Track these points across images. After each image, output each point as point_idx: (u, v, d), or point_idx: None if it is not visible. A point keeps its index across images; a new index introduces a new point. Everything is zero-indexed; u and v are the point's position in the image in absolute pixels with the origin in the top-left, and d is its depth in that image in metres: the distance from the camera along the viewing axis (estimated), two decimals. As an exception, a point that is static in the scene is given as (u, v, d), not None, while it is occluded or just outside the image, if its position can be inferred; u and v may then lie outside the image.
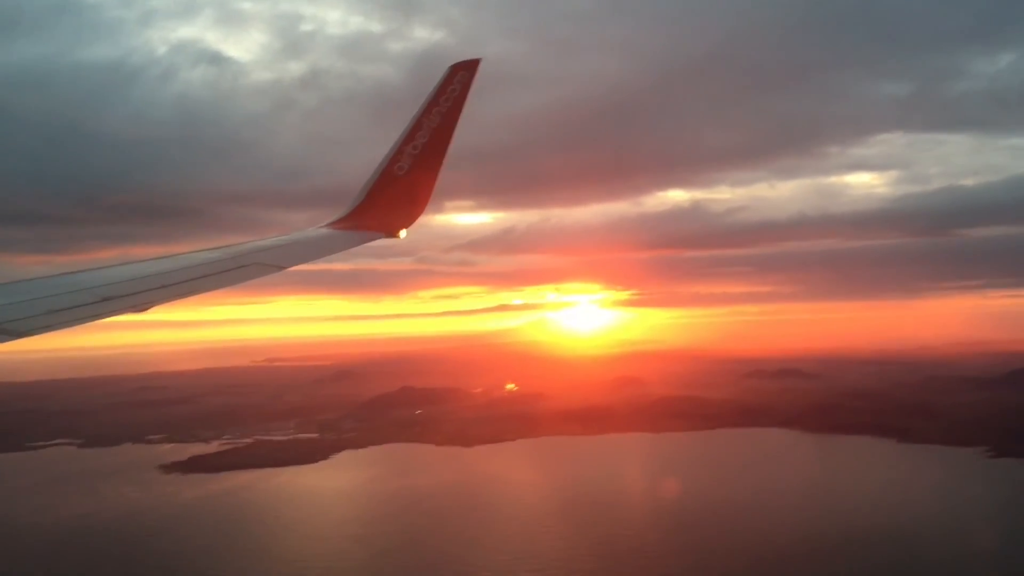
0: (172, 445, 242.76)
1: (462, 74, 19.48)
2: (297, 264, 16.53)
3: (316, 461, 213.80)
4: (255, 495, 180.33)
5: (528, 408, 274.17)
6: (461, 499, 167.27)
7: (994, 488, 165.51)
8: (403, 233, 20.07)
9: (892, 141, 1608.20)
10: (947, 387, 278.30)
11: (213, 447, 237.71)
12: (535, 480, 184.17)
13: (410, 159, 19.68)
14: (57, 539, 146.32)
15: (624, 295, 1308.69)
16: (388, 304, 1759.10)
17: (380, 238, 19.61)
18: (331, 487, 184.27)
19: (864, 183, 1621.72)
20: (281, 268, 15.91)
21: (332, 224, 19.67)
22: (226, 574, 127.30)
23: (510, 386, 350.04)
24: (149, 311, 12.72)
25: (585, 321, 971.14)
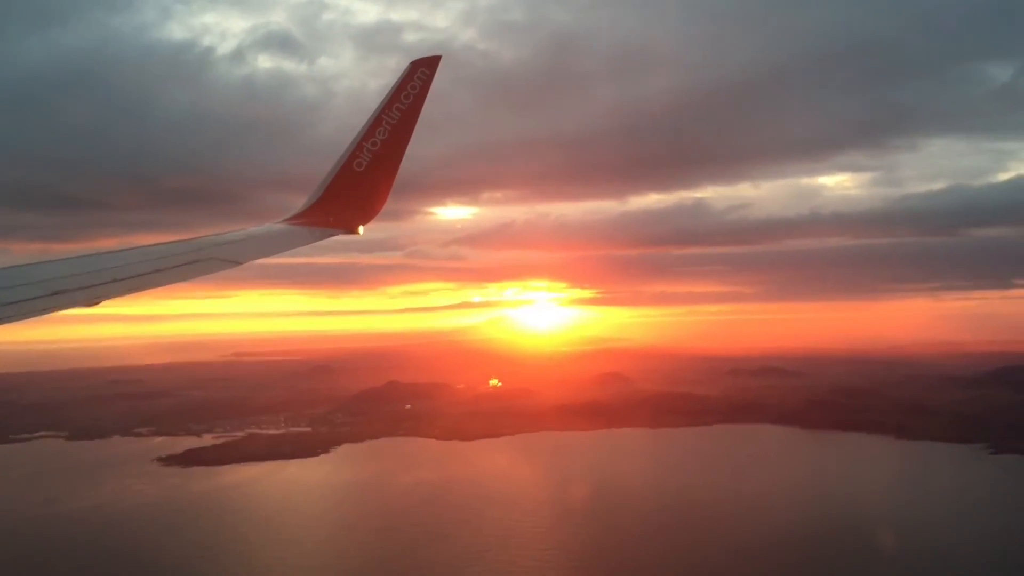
0: (163, 438, 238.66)
1: (423, 71, 19.33)
2: (254, 259, 16.18)
3: (317, 455, 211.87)
4: (267, 488, 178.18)
5: (519, 404, 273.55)
6: (479, 493, 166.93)
7: (999, 484, 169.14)
8: (361, 230, 19.84)
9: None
10: (930, 385, 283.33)
11: (206, 440, 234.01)
12: (546, 475, 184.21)
13: (369, 155, 19.40)
14: (72, 531, 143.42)
15: (588, 293, 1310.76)
16: (354, 300, 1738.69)
17: (339, 234, 19.31)
18: (342, 480, 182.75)
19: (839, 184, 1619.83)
20: (238, 263, 15.51)
21: (290, 219, 19.31)
22: (259, 566, 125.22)
23: (494, 382, 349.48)
24: (100, 305, 12.43)
25: (543, 319, 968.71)
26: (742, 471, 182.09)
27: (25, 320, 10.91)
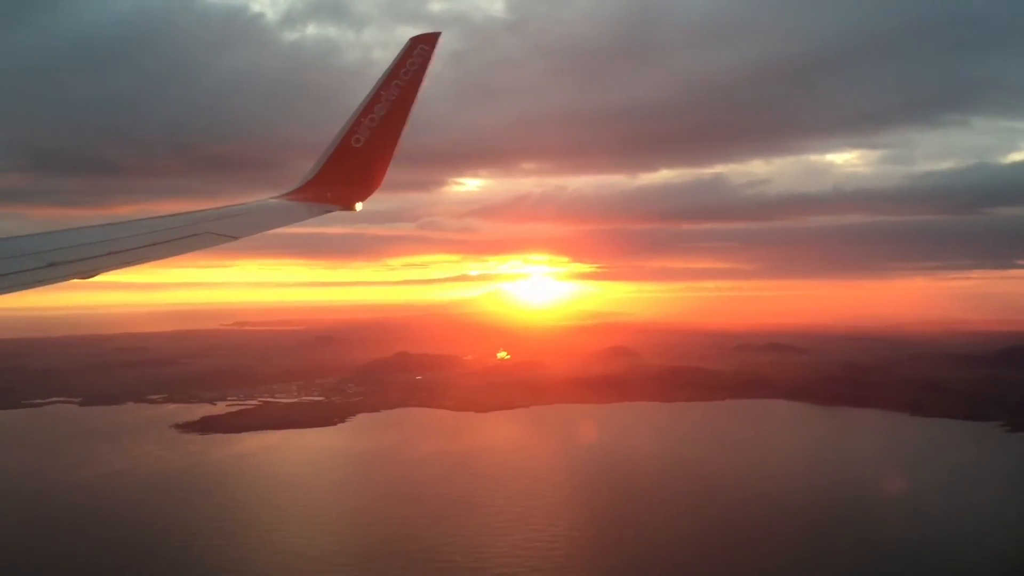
0: (176, 405, 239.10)
1: (422, 47, 19.28)
2: (251, 234, 16.34)
3: (334, 424, 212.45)
4: (289, 455, 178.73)
5: (530, 376, 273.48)
6: (501, 463, 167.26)
7: (1020, 461, 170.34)
8: (359, 206, 19.84)
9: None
10: (938, 363, 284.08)
11: (220, 408, 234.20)
12: (566, 447, 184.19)
13: (368, 132, 19.43)
14: (98, 496, 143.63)
15: (588, 268, 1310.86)
16: (353, 271, 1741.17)
17: (336, 210, 19.39)
18: (363, 449, 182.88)
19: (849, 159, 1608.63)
20: (234, 238, 15.71)
21: (288, 195, 19.40)
22: (291, 532, 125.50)
23: (502, 354, 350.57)
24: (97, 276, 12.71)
25: (540, 293, 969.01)
26: (762, 446, 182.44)
27: (22, 291, 11.11)
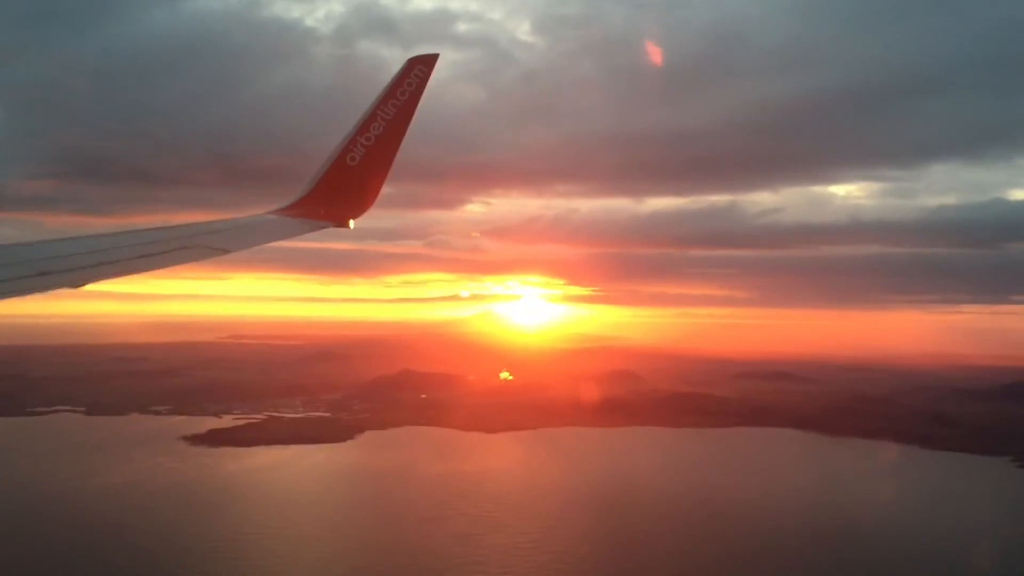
0: (182, 417, 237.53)
1: (420, 68, 19.45)
2: (243, 248, 16.38)
3: (343, 440, 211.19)
4: (301, 471, 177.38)
5: (535, 398, 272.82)
6: (516, 485, 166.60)
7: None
8: (352, 223, 19.96)
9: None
10: (944, 396, 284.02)
11: (227, 421, 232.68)
12: (580, 470, 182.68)
13: (363, 150, 19.49)
14: (109, 507, 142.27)
15: (584, 291, 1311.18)
16: (348, 287, 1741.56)
17: (328, 227, 19.49)
18: (375, 467, 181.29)
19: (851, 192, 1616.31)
20: (226, 251, 15.72)
21: (282, 210, 19.44)
22: (311, 548, 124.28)
23: (505, 375, 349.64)
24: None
25: (532, 315, 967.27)
26: (774, 475, 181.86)
27: (8, 299, 11.11)
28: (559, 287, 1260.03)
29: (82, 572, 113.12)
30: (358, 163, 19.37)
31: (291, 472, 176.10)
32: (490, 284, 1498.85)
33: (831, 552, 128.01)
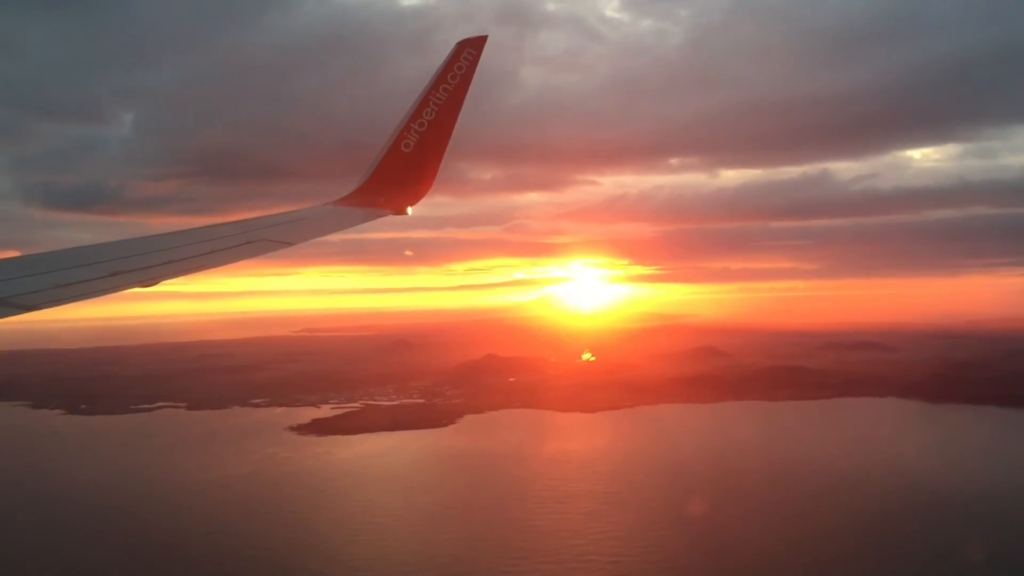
0: (281, 409, 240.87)
1: (469, 51, 19.23)
2: (304, 240, 16.56)
3: (444, 425, 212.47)
4: (414, 456, 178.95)
5: (624, 377, 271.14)
6: (631, 462, 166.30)
7: None
8: (410, 210, 19.87)
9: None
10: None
11: (325, 411, 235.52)
12: (686, 445, 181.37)
13: (416, 136, 19.45)
14: (233, 496, 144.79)
15: (647, 270, 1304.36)
16: (413, 276, 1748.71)
17: (387, 215, 19.38)
18: (485, 449, 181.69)
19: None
20: (289, 244, 15.87)
21: (340, 201, 19.49)
22: (449, 531, 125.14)
23: (587, 356, 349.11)
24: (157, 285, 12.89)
25: (593, 296, 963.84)
26: (886, 444, 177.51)
27: (85, 300, 11.27)
28: (622, 267, 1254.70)
29: (238, 558, 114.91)
30: (412, 149, 19.51)
31: (404, 457, 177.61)
32: (553, 267, 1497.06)
33: (959, 521, 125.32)
